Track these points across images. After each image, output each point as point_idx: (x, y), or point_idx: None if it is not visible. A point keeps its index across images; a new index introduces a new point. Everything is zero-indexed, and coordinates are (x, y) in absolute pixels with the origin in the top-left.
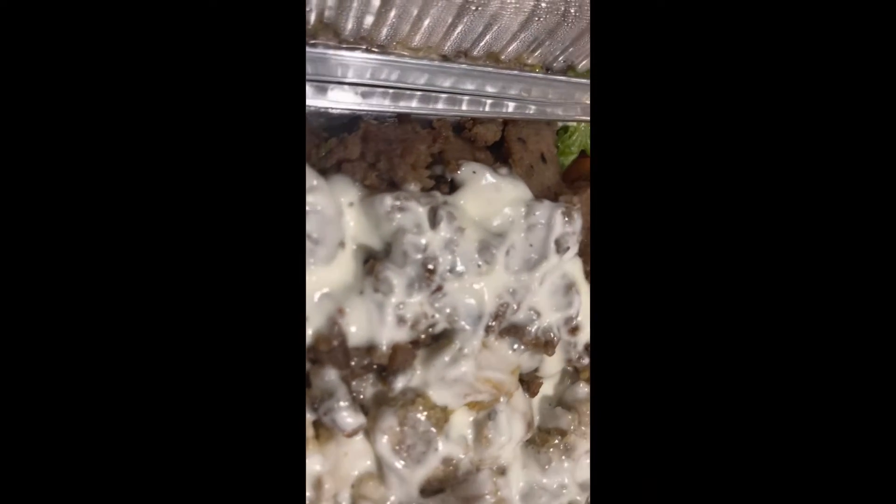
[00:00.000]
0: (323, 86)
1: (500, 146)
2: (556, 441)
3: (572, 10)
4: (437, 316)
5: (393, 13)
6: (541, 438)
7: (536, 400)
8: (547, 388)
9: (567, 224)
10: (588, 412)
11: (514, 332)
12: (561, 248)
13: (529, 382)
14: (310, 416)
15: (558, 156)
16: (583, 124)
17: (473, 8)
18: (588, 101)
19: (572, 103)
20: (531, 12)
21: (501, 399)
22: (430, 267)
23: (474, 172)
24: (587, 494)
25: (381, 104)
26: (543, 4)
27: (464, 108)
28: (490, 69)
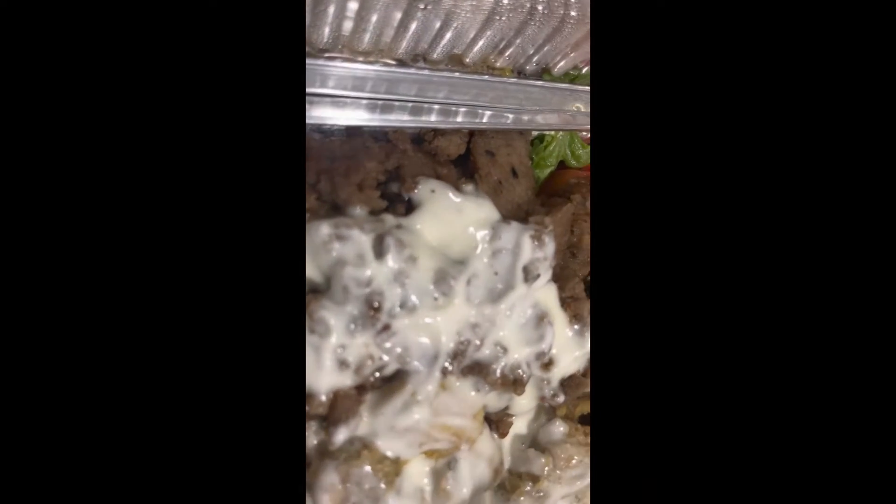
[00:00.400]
0: None
1: (467, 160)
2: (528, 488)
3: (539, 8)
4: (385, 357)
5: (331, 10)
6: (511, 484)
7: (508, 439)
8: (520, 426)
9: (537, 249)
10: (563, 455)
11: (477, 370)
12: (530, 275)
13: (498, 422)
14: None
15: (533, 169)
16: (560, 133)
17: (422, 6)
18: (568, 108)
19: (549, 110)
20: (492, 10)
21: (463, 446)
22: (375, 303)
23: (433, 191)
24: None
25: (324, 115)
26: (505, 1)
27: (427, 118)
28: (454, 74)
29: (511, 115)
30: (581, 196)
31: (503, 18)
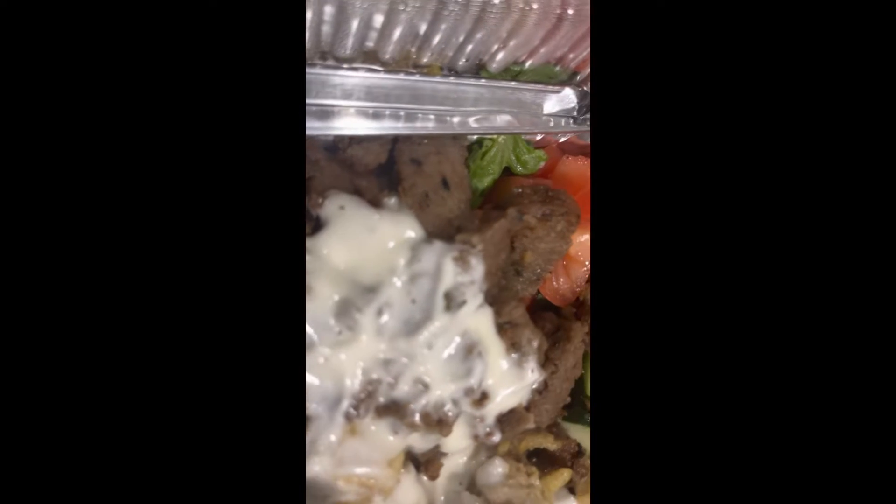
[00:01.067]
0: None
1: (391, 169)
2: None
3: None
4: None
5: None
6: None
7: (442, 479)
8: (457, 464)
9: (461, 272)
10: (499, 500)
11: (394, 411)
12: (453, 302)
13: (427, 463)
14: None
15: (472, 178)
16: (502, 137)
17: None
18: (511, 108)
19: (489, 111)
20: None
21: (376, 497)
22: None
23: (342, 207)
24: None
25: None
26: None
27: (337, 123)
28: (371, 74)
29: (444, 119)
30: (518, 209)
31: (408, 8)
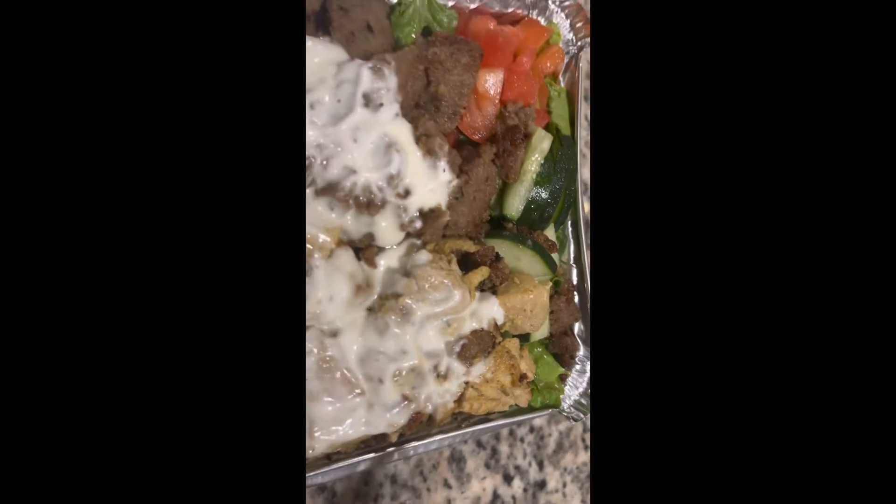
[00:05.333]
0: None
1: (325, 17)
2: (392, 304)
3: None
4: None
5: None
6: (379, 304)
7: (380, 272)
8: (392, 260)
9: (377, 79)
10: (424, 275)
11: (329, 190)
12: (371, 102)
13: (365, 250)
14: None
15: (394, 31)
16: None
17: None
18: None
19: None
20: None
21: (316, 255)
22: None
23: None
24: (430, 361)
25: None
26: None
27: None
28: None
29: None
30: (427, 41)
31: None
